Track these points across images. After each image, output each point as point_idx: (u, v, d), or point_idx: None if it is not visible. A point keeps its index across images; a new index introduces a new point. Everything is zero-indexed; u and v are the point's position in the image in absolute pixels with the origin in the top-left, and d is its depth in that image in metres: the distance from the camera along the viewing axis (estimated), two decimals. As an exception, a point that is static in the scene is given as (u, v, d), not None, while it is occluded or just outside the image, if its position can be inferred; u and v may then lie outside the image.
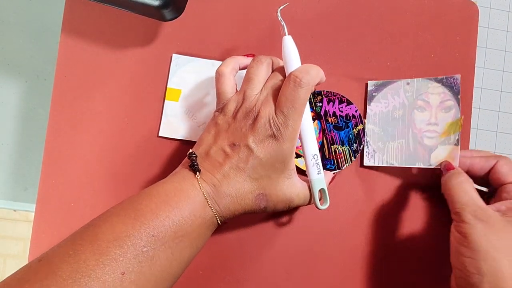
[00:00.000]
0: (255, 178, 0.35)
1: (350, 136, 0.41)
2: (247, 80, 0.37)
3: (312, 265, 0.43)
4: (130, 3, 0.37)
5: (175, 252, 0.32)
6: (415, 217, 0.44)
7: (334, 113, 0.43)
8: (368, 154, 0.42)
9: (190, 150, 0.36)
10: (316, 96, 0.43)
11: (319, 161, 0.37)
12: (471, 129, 0.45)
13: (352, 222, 0.43)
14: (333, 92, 0.43)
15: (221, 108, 0.37)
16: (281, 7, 0.37)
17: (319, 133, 0.42)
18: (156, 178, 0.43)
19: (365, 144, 0.42)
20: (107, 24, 0.44)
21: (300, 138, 0.37)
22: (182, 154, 0.43)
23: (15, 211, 1.18)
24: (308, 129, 0.37)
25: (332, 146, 0.42)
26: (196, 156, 0.35)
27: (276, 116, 0.34)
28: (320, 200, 0.37)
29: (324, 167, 0.39)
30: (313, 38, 0.45)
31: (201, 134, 0.37)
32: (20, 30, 0.49)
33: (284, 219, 0.43)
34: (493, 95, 0.48)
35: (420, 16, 0.45)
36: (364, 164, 0.41)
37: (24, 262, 0.41)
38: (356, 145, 0.41)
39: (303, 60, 0.37)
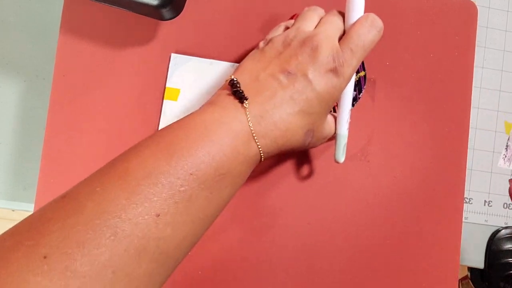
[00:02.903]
0: (308, 113, 0.31)
1: None
2: (302, 19, 0.34)
3: (312, 265, 0.43)
4: (128, 2, 0.37)
5: (214, 192, 0.28)
6: (420, 212, 0.44)
7: None
8: (505, 157, 0.41)
9: (232, 77, 0.31)
10: None
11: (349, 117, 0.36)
12: (470, 128, 0.45)
13: (353, 218, 0.43)
14: None
15: (268, 40, 0.34)
16: None
17: None
18: (155, 178, 0.43)
19: (505, 147, 0.42)
20: (105, 23, 0.44)
21: None
22: (181, 153, 0.43)
23: (13, 210, 1.18)
24: (351, 81, 0.34)
25: None
26: (239, 83, 0.31)
27: (342, 51, 0.31)
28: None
29: None
30: (312, 37, 0.45)
31: (241, 62, 0.34)
32: (19, 29, 0.49)
33: (284, 218, 0.43)
34: (492, 94, 0.48)
35: (419, 16, 0.45)
36: (499, 166, 0.41)
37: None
38: (355, 93, 0.38)
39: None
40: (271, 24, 0.44)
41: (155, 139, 0.29)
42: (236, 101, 0.30)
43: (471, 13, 0.45)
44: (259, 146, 0.30)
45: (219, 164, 0.28)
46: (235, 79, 0.31)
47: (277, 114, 0.30)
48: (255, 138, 0.30)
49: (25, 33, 0.49)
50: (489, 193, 0.48)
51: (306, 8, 0.36)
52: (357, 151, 0.44)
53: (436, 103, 0.45)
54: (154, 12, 0.38)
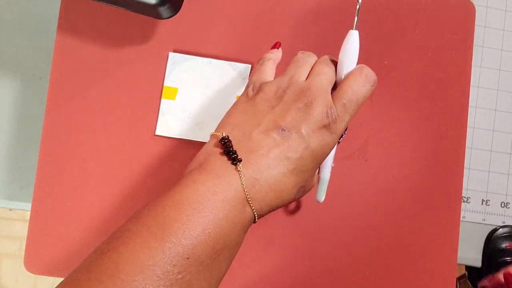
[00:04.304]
0: (302, 171, 0.30)
1: None
2: (295, 67, 0.33)
3: (309, 264, 0.43)
4: (126, 1, 0.37)
5: (213, 270, 0.27)
6: (418, 211, 0.44)
7: None
8: None
9: (222, 134, 0.30)
10: None
11: None
12: (468, 128, 0.45)
13: (350, 217, 0.43)
14: None
15: (257, 88, 0.32)
16: None
17: None
18: (152, 177, 0.43)
19: None
20: (103, 22, 0.44)
21: None
22: (179, 152, 0.43)
23: (10, 210, 1.17)
24: None
25: None
26: (231, 142, 0.29)
27: (336, 106, 0.30)
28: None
29: None
30: (310, 36, 0.45)
31: (228, 113, 0.32)
32: (15, 28, 0.49)
33: (283, 216, 0.43)
34: (490, 93, 0.48)
35: (417, 15, 0.45)
36: None
37: (20, 261, 0.41)
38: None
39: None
40: (269, 23, 0.44)
41: (145, 222, 0.26)
42: (229, 163, 0.29)
43: (469, 12, 0.45)
44: (253, 210, 0.29)
45: (215, 241, 0.27)
46: (225, 137, 0.29)
47: (272, 175, 0.29)
48: (250, 203, 0.28)
49: (22, 32, 0.49)
50: (486, 192, 0.48)
51: (300, 53, 0.34)
52: (355, 151, 0.44)
53: (434, 102, 0.45)
54: (152, 11, 0.38)
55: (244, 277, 0.42)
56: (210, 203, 0.27)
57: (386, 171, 0.44)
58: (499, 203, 0.48)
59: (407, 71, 0.45)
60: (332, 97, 0.31)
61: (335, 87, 0.33)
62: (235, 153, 0.28)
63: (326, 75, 0.31)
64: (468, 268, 0.53)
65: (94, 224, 0.42)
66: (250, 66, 0.44)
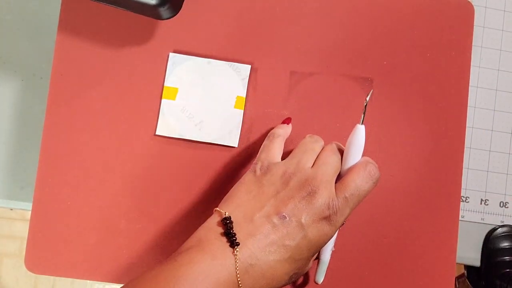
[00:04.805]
0: (296, 260, 0.31)
1: None
2: (302, 151, 0.34)
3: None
4: (127, 1, 0.37)
5: None
6: (416, 211, 0.44)
7: None
8: None
9: (226, 214, 0.31)
10: None
11: None
12: (466, 128, 0.45)
13: (349, 217, 0.43)
14: None
15: (265, 168, 0.33)
16: (369, 95, 0.34)
17: None
18: (152, 177, 0.43)
19: None
20: (103, 22, 0.44)
21: None
22: (179, 152, 0.43)
23: (11, 209, 1.18)
24: None
25: None
26: (232, 223, 0.30)
27: (337, 198, 0.31)
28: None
29: None
30: (309, 36, 0.45)
31: (235, 190, 0.33)
32: (16, 28, 0.49)
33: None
34: (489, 93, 0.49)
35: (416, 15, 0.45)
36: None
37: (21, 261, 0.41)
38: None
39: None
40: (269, 23, 0.44)
41: None
42: (227, 245, 0.29)
43: (467, 13, 0.46)
44: None
45: None
46: (228, 218, 0.30)
47: (266, 262, 0.29)
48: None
49: (23, 31, 0.49)
50: (485, 192, 0.48)
51: (308, 137, 0.36)
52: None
53: (433, 103, 0.45)
54: (152, 11, 0.38)
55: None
56: (202, 284, 0.27)
57: (385, 171, 0.44)
58: (498, 203, 0.48)
59: (406, 71, 0.45)
60: (335, 188, 0.32)
61: (339, 176, 0.34)
62: (235, 235, 0.29)
63: (331, 165, 0.33)
64: (467, 267, 0.53)
65: (94, 224, 0.42)
66: (249, 66, 0.44)
